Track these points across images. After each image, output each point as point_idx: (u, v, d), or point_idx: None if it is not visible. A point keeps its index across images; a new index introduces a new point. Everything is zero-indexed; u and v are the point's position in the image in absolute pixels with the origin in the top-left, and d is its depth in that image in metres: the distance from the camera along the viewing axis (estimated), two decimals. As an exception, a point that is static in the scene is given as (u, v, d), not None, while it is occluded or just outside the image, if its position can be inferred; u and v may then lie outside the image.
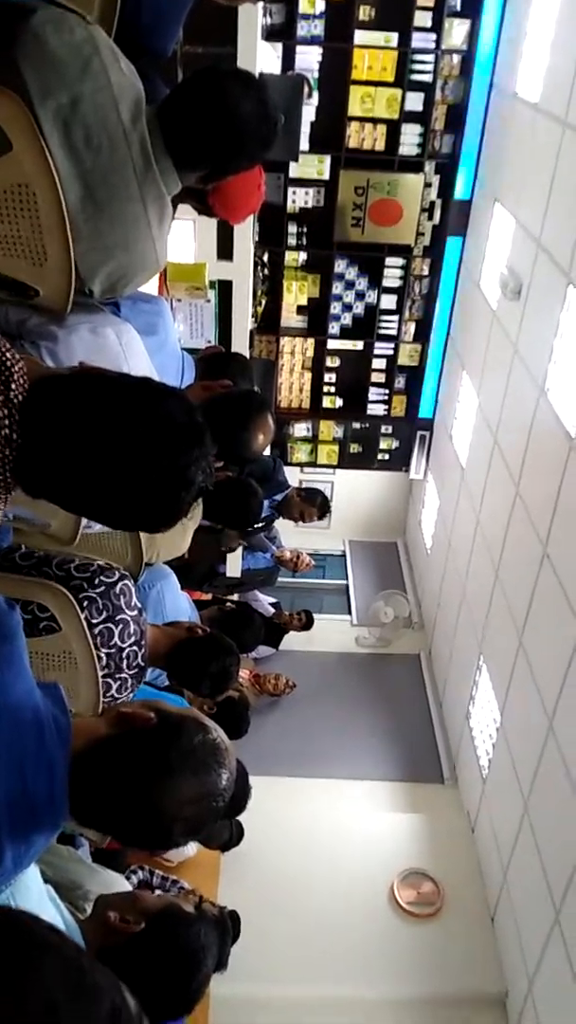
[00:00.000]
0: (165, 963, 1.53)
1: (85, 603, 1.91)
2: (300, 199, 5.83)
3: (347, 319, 6.33)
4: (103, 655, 1.96)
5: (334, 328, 6.35)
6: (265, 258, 5.88)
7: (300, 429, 6.88)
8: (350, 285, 6.18)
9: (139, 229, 1.48)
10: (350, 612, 7.32)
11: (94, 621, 1.92)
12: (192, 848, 4.26)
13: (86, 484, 1.12)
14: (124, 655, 2.03)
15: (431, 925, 4.95)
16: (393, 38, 5.41)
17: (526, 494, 4.61)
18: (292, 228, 5.95)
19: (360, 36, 5.41)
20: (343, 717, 6.26)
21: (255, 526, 3.13)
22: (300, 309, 6.28)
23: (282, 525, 5.96)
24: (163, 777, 1.17)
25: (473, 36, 5.39)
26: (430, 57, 5.47)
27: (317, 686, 6.42)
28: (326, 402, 6.68)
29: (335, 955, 4.71)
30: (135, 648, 2.01)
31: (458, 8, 5.36)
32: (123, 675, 2.05)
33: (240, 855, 4.80)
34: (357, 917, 4.94)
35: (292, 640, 6.28)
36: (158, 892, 2.77)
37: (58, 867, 1.91)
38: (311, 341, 6.40)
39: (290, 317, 6.29)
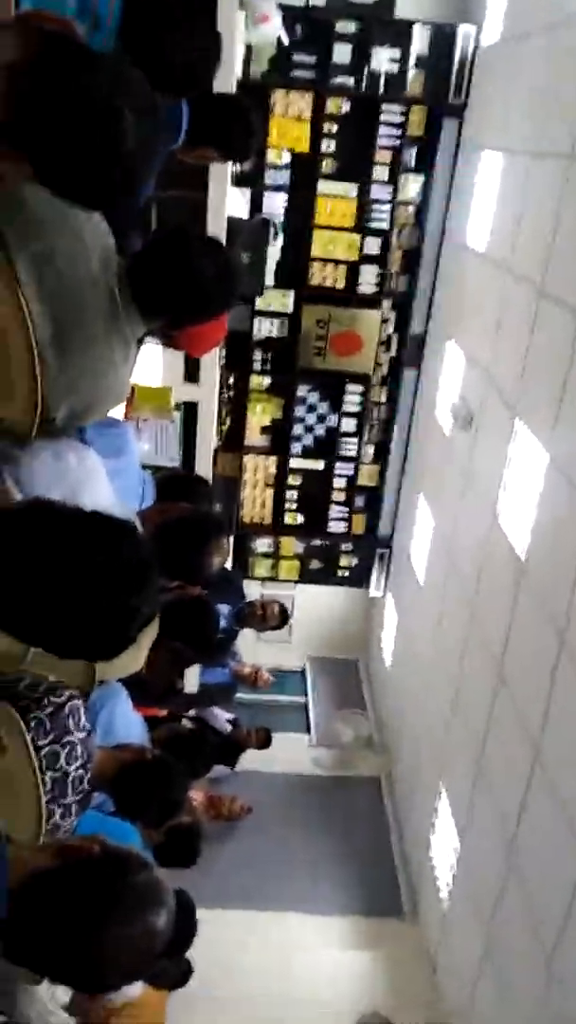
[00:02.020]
0: None
1: (32, 724, 1.88)
2: (265, 328, 6.15)
3: (309, 440, 6.55)
4: (48, 779, 1.91)
5: (296, 448, 6.55)
6: (231, 380, 6.12)
7: (262, 544, 6.96)
8: (312, 408, 6.44)
9: (104, 367, 1.58)
10: (309, 730, 7.18)
11: (40, 743, 1.88)
12: (137, 988, 3.99)
13: (33, 615, 1.15)
14: (70, 780, 1.98)
15: None
16: (353, 189, 5.89)
17: (481, 615, 4.68)
18: (258, 354, 6.24)
19: (323, 186, 5.87)
20: (300, 845, 6.03)
21: (213, 645, 3.12)
22: (264, 429, 6.49)
23: (242, 641, 5.92)
24: (101, 916, 1.14)
25: (427, 190, 5.89)
26: (386, 207, 5.93)
27: (274, 809, 6.20)
28: (287, 518, 6.80)
29: None
30: (81, 772, 1.97)
31: (412, 165, 5.88)
32: (67, 800, 1.99)
33: (188, 995, 4.48)
34: None
35: (249, 759, 6.11)
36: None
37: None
38: (273, 459, 6.59)
39: (254, 436, 6.48)
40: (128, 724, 2.53)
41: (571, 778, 3.40)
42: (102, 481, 1.86)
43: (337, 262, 6.02)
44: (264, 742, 6.09)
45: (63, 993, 2.44)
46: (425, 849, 5.50)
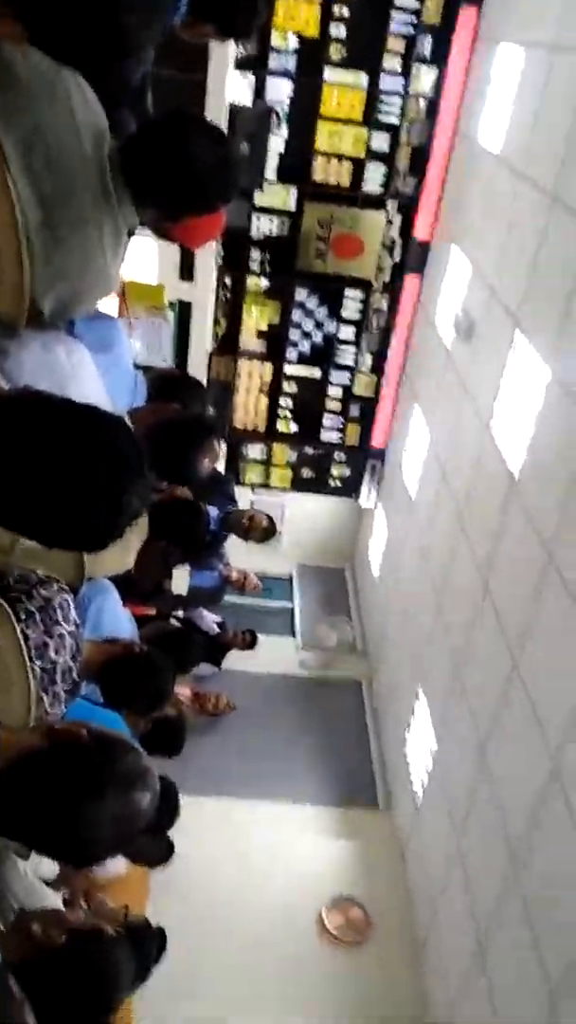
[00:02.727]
0: (81, 980, 1.53)
1: (22, 615, 1.91)
2: (265, 227, 5.93)
3: (305, 346, 6.43)
4: (37, 669, 1.96)
5: (292, 354, 6.44)
6: (227, 281, 5.96)
7: (254, 451, 6.94)
8: (310, 314, 6.29)
9: (94, 255, 1.52)
10: (294, 635, 7.35)
11: (30, 634, 1.92)
12: (122, 866, 4.22)
13: (21, 504, 1.15)
14: (59, 670, 2.03)
15: (358, 952, 4.97)
16: (362, 78, 5.58)
17: (470, 529, 4.73)
18: (255, 255, 6.04)
19: (330, 74, 5.56)
20: (282, 739, 6.26)
21: (202, 547, 3.15)
22: (260, 334, 6.36)
23: (231, 546, 5.99)
24: (89, 794, 1.20)
25: (440, 83, 5.58)
26: (397, 100, 5.64)
27: (257, 708, 6.42)
28: (281, 426, 6.76)
29: (261, 980, 4.70)
30: (70, 663, 2.02)
31: (427, 55, 5.55)
32: (57, 690, 2.05)
33: (171, 875, 4.76)
34: (284, 941, 4.93)
35: (235, 660, 6.28)
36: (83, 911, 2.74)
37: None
38: (269, 365, 6.49)
39: (249, 341, 6.36)
40: (116, 620, 2.58)
41: (544, 687, 3.52)
42: (91, 376, 1.83)
43: (342, 157, 5.76)
44: (250, 643, 6.24)
45: (48, 870, 2.58)
46: (401, 748, 5.74)
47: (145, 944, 2.87)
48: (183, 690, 5.81)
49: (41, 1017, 1.39)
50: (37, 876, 2.38)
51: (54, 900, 2.23)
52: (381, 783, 6.07)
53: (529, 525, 3.81)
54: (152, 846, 3.70)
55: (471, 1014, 4.02)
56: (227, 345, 6.25)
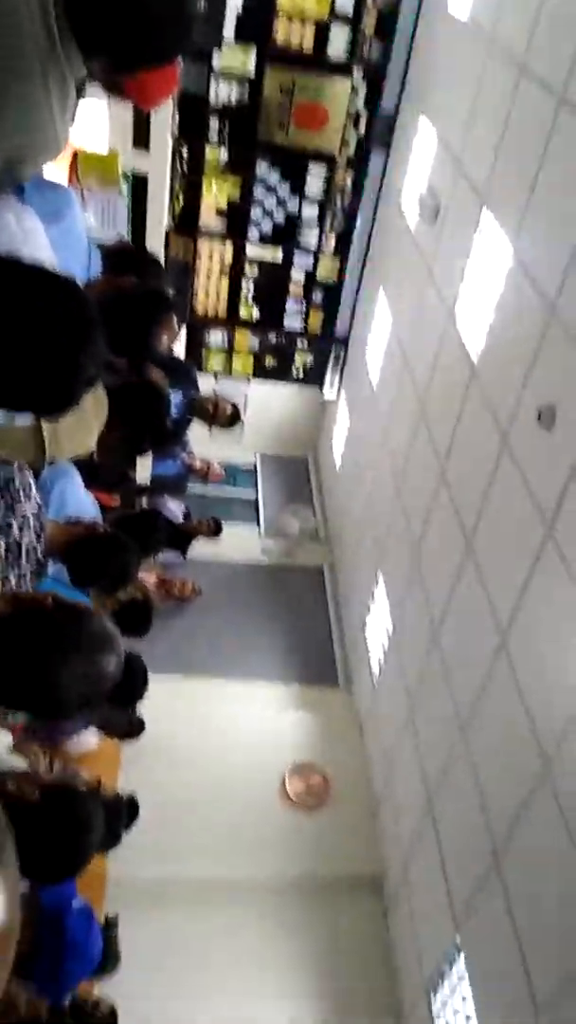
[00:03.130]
0: (55, 830, 1.63)
1: (-17, 496, 1.91)
2: (224, 93, 5.59)
3: (267, 226, 6.20)
4: (1, 548, 1.98)
5: (253, 234, 6.21)
6: (184, 153, 5.66)
7: (216, 338, 6.80)
8: (271, 190, 6.03)
9: (40, 111, 1.43)
10: (258, 523, 7.45)
11: (-8, 514, 1.93)
12: (93, 739, 4.41)
13: None
14: (23, 550, 2.05)
15: (318, 815, 5.31)
16: None
17: (430, 418, 4.76)
18: (214, 123, 5.71)
19: None
20: (246, 623, 6.46)
21: (163, 430, 3.12)
22: (220, 212, 6.10)
23: (193, 437, 5.96)
24: (56, 654, 1.24)
25: None
26: (364, -46, 5.24)
27: (222, 593, 6.57)
28: (243, 312, 6.60)
29: (227, 841, 5.01)
30: (35, 543, 2.04)
31: None
32: (22, 570, 2.08)
33: (140, 749, 4.99)
34: (249, 806, 5.24)
35: (199, 549, 6.37)
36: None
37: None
38: (229, 246, 6.26)
39: (209, 219, 6.11)
40: (80, 503, 2.59)
41: (496, 569, 3.65)
42: (43, 246, 1.76)
43: (305, 19, 5.39)
44: (214, 531, 6.31)
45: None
46: (361, 629, 5.97)
47: (117, 809, 3.04)
48: (149, 577, 5.91)
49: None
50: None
51: (23, 768, 2.34)
52: (341, 663, 6.33)
53: (487, 412, 3.84)
54: (122, 719, 3.85)
55: (423, 866, 4.38)
56: (186, 223, 6.00)
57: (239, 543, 7.00)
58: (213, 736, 5.59)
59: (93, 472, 2.97)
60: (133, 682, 2.74)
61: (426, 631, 4.49)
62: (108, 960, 3.25)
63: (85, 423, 2.38)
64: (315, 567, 7.16)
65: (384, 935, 4.82)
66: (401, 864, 4.70)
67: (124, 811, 3.26)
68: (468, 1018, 3.61)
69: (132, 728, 4.50)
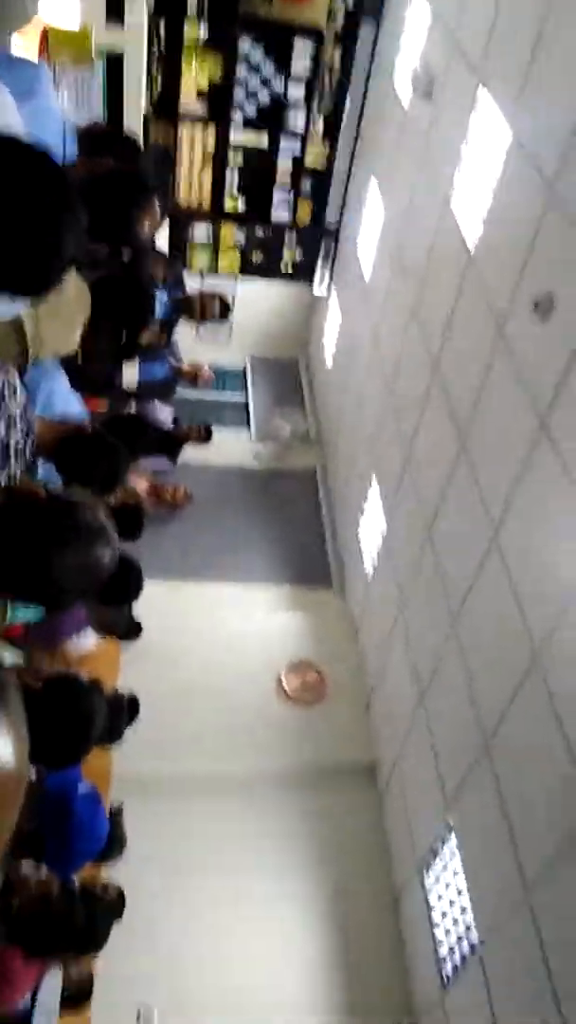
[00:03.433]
0: (59, 718, 1.67)
1: (-33, 395, 1.86)
2: (202, -40, 5.18)
3: (251, 109, 5.86)
4: (-12, 448, 1.94)
5: (237, 117, 5.88)
6: (161, 30, 5.28)
7: (200, 233, 6.54)
8: (255, 69, 5.67)
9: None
10: (249, 427, 7.38)
11: (-24, 413, 1.88)
12: (92, 640, 4.48)
13: None
14: (12, 450, 2.01)
15: (314, 709, 5.48)
16: None
17: (424, 311, 4.63)
18: (192, -4, 5.32)
19: None
20: (240, 528, 6.49)
21: (144, 319, 3.02)
22: (200, 94, 5.76)
23: (181, 341, 5.81)
24: (53, 543, 1.23)
25: None
26: None
27: (215, 499, 6.57)
28: (228, 204, 6.33)
29: (227, 736, 5.19)
30: (22, 441, 2.00)
31: None
32: (11, 469, 2.04)
33: (139, 652, 5.10)
34: (248, 703, 5.40)
35: (190, 455, 6.32)
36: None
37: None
38: (212, 131, 5.93)
39: (190, 102, 5.77)
40: (67, 402, 2.53)
41: (489, 466, 3.63)
42: (16, 124, 1.64)
43: None
44: (205, 437, 6.25)
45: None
46: (354, 531, 6.01)
47: (118, 706, 3.11)
48: (140, 483, 5.88)
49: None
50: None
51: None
52: (335, 565, 6.40)
53: (482, 303, 3.73)
54: (120, 619, 3.90)
55: (416, 754, 4.55)
56: (165, 108, 5.67)
57: (230, 448, 6.95)
58: (210, 638, 5.70)
59: (79, 377, 2.90)
60: (128, 579, 2.76)
61: (419, 530, 4.51)
62: (115, 844, 3.39)
63: (68, 319, 2.30)
64: (307, 470, 7.14)
65: (379, 819, 5.06)
66: (395, 753, 4.89)
67: (125, 708, 3.34)
68: (459, 891, 3.83)
69: (130, 630, 4.57)
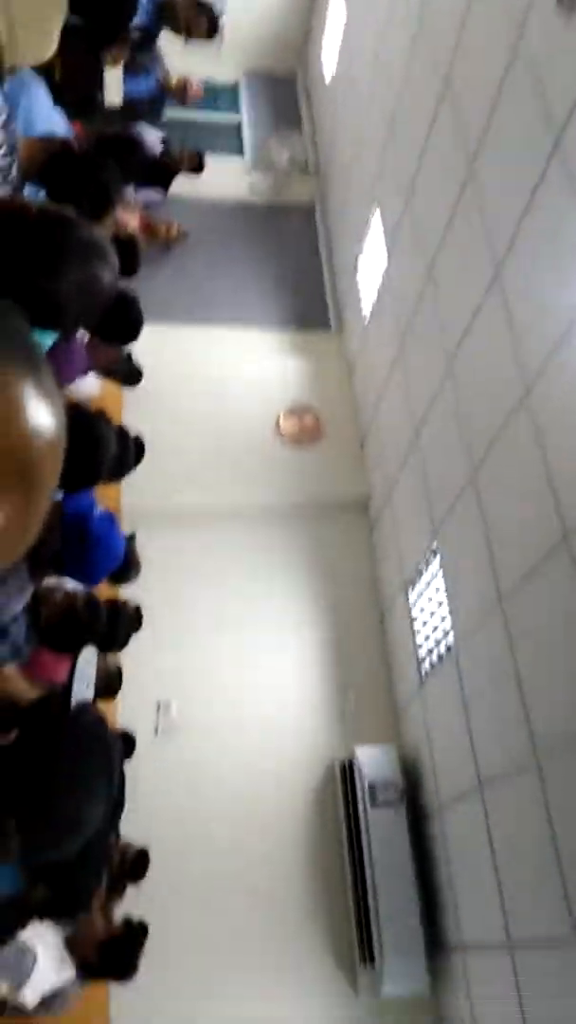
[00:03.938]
0: (72, 442, 1.78)
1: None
2: None
3: None
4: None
5: None
6: None
7: None
8: None
9: None
10: (242, 153, 6.85)
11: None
12: (95, 384, 4.56)
13: None
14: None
15: (310, 450, 5.69)
16: None
17: (432, 17, 4.11)
18: None
19: None
20: (235, 267, 6.27)
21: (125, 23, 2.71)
22: None
23: (167, 50, 5.21)
24: (47, 257, 1.23)
25: None
26: None
27: (209, 236, 6.29)
28: None
29: (229, 473, 5.44)
30: (7, 159, 1.91)
31: None
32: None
33: (139, 397, 5.19)
34: (247, 444, 5.60)
35: (182, 187, 5.94)
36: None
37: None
38: None
39: None
40: (50, 118, 2.38)
41: (497, 193, 3.46)
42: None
43: None
44: (196, 165, 5.83)
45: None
46: (353, 269, 5.83)
47: (125, 440, 3.23)
48: (132, 219, 5.60)
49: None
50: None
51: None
52: (333, 305, 6.28)
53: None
54: (122, 362, 3.94)
55: (407, 486, 4.81)
56: None
57: (224, 178, 6.51)
58: (208, 381, 5.76)
59: (58, 94, 2.67)
60: (128, 314, 2.76)
61: (420, 267, 4.39)
62: (131, 566, 3.70)
63: (43, 20, 2.09)
64: (306, 205, 6.75)
65: (369, 549, 5.47)
66: (386, 487, 5.17)
67: (132, 444, 3.49)
68: (440, 603, 4.27)
69: (131, 374, 4.63)
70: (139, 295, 3.42)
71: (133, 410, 5.25)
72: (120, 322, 2.71)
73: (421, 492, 4.50)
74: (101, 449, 1.87)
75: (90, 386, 4.57)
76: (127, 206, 5.25)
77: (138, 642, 3.43)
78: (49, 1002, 2.68)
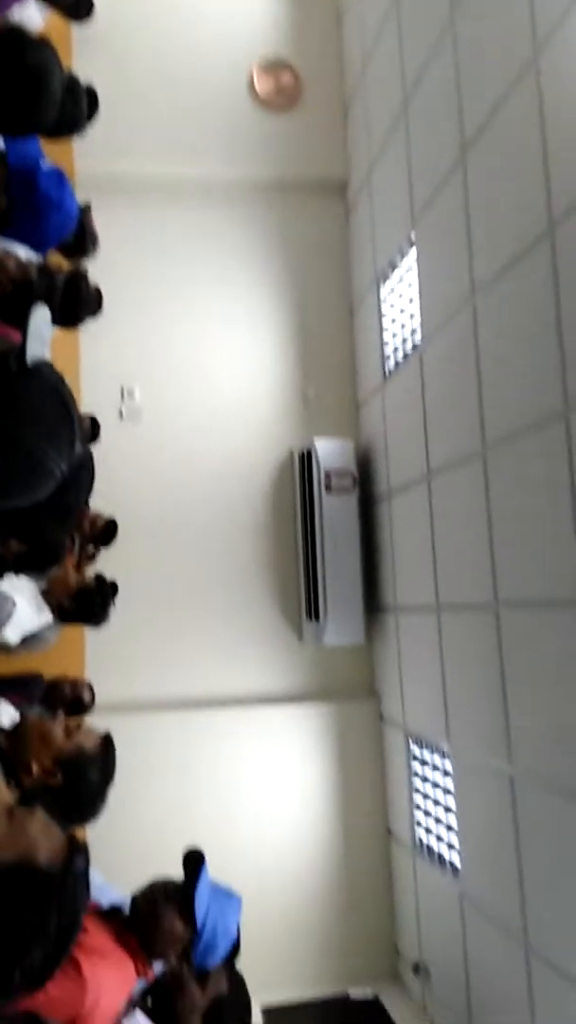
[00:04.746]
0: (7, 71, 1.53)
1: None
2: None
3: None
4: None
5: None
6: None
7: None
8: None
9: None
10: None
11: None
12: (36, 19, 3.88)
13: None
14: None
15: (287, 115, 5.10)
16: None
17: None
18: None
19: None
20: None
21: None
22: None
23: None
24: None
25: None
26: None
27: None
28: None
29: (196, 137, 4.92)
30: None
31: None
32: None
33: (92, 39, 4.46)
34: (217, 105, 5.00)
35: None
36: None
37: None
38: None
39: None
40: None
41: None
42: None
43: None
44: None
45: None
46: None
47: (75, 87, 2.83)
48: None
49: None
50: None
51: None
52: None
53: None
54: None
55: (389, 167, 4.42)
56: None
57: None
58: (170, 24, 4.95)
59: None
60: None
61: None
62: (86, 238, 3.43)
63: None
64: None
65: (343, 236, 5.16)
66: (367, 167, 4.74)
67: (84, 94, 3.05)
68: (411, 300, 4.15)
69: (81, 2, 3.94)
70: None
71: (83, 56, 4.55)
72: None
73: (404, 173, 4.14)
74: (45, 79, 1.62)
75: (31, 18, 3.90)
76: None
77: (98, 326, 3.33)
78: (30, 642, 3.03)
